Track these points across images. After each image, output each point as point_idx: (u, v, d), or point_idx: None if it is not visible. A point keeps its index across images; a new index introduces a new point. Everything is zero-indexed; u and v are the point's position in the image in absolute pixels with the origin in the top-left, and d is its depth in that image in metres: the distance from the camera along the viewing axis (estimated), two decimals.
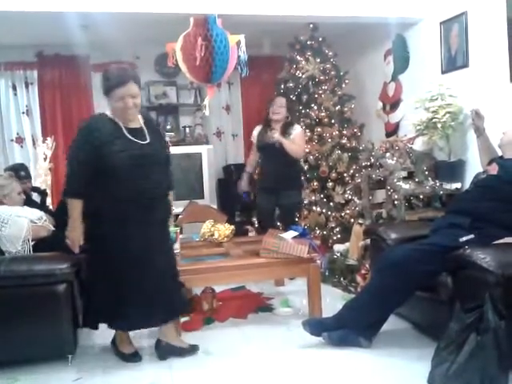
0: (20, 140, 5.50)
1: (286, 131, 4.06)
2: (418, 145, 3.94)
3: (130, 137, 2.60)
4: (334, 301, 3.48)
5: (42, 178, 4.75)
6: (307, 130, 4.75)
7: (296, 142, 4.06)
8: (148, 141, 2.65)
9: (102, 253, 2.64)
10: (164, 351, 2.79)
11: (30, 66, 5.42)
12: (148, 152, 2.62)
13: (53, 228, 3.28)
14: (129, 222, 2.60)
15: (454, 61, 3.88)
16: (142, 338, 3.02)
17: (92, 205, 2.60)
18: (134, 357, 2.80)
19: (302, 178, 4.53)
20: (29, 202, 3.70)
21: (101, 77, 2.73)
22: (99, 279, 2.69)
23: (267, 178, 4.21)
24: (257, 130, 4.32)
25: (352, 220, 4.49)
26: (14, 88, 5.45)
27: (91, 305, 2.75)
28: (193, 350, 2.83)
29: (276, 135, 3.99)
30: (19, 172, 4.09)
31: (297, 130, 4.12)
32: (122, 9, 3.52)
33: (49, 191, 4.68)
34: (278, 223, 4.35)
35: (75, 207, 2.60)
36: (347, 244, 4.24)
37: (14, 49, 5.16)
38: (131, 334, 2.88)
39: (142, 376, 2.61)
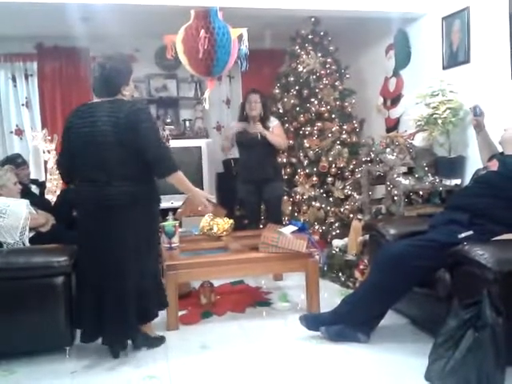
0: (19, 132, 5.48)
1: (264, 125, 4.20)
2: (418, 140, 3.94)
3: None
4: (332, 296, 3.48)
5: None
6: (308, 125, 4.75)
7: (277, 133, 4.22)
8: None
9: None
10: (141, 340, 2.79)
11: (30, 57, 5.38)
12: None
13: (50, 216, 3.30)
14: None
15: (456, 56, 3.86)
16: None
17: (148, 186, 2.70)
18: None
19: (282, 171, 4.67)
20: (28, 194, 3.70)
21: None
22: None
23: (250, 171, 4.27)
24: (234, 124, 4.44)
25: (351, 215, 4.48)
26: (14, 80, 5.43)
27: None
28: (162, 340, 2.89)
29: (259, 127, 4.13)
30: (16, 160, 4.10)
31: (274, 122, 4.30)
32: (122, 1, 3.51)
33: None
34: (263, 218, 4.47)
35: (184, 177, 2.76)
36: (346, 239, 4.24)
37: (14, 40, 5.12)
38: None
39: (139, 369, 2.60)
